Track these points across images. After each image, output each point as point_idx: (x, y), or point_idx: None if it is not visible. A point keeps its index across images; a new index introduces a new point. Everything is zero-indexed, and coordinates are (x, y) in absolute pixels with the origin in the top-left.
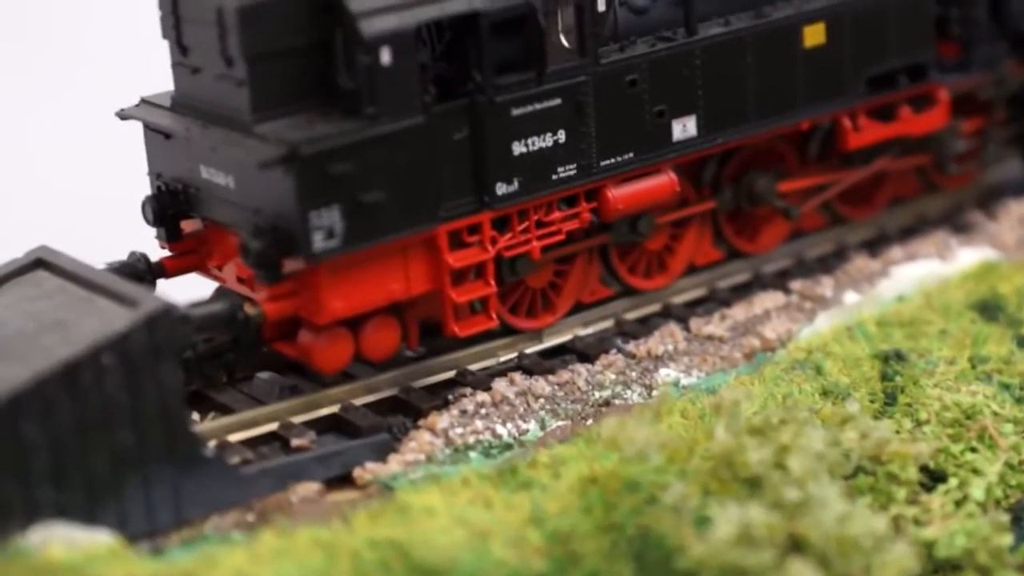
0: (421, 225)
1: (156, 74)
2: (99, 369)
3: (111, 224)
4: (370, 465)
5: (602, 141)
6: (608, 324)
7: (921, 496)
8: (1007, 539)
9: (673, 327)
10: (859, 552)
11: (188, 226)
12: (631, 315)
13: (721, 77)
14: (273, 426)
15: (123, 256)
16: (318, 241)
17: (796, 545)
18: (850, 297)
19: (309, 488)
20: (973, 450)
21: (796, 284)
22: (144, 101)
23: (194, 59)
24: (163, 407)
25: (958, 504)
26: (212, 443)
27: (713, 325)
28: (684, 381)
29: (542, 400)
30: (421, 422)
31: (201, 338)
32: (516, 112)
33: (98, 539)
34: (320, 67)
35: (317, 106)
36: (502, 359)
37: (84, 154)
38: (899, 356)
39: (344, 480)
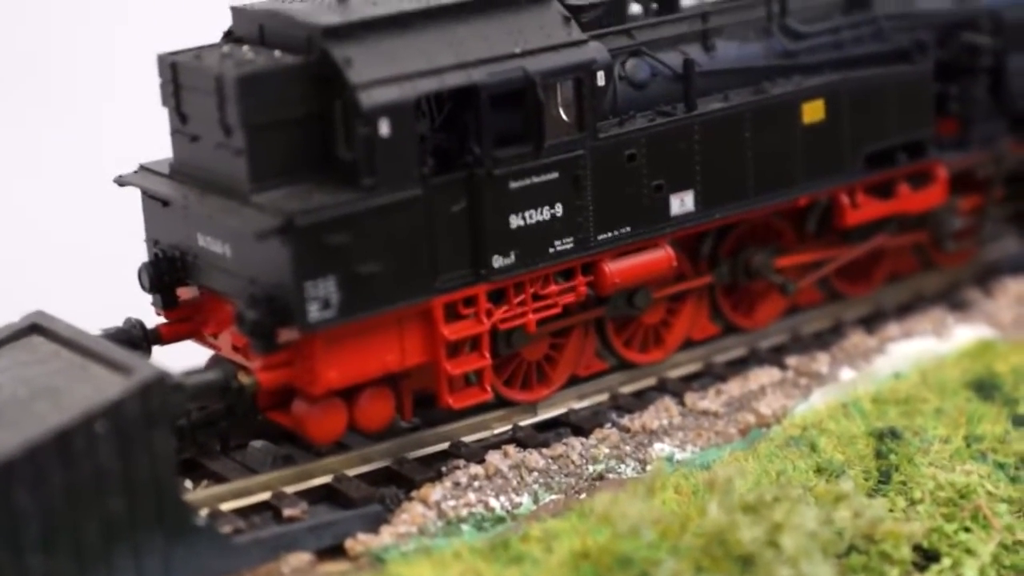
0: (417, 297)
1: (155, 141)
2: (91, 437)
3: (108, 290)
4: (362, 536)
5: (599, 215)
6: (603, 398)
7: None
8: None
9: (668, 401)
10: None
11: (184, 293)
12: (626, 389)
13: (720, 152)
14: (266, 495)
15: (119, 322)
16: (313, 312)
17: None
18: (846, 374)
19: (301, 559)
20: (967, 530)
21: (792, 360)
22: (142, 168)
23: (193, 127)
24: (155, 475)
25: None
26: (204, 512)
27: (708, 400)
28: (678, 456)
29: (536, 473)
30: (414, 493)
31: (195, 406)
32: (514, 185)
33: None
34: (319, 137)
35: (315, 176)
36: (496, 431)
37: (82, 219)
38: (894, 434)
39: (336, 551)
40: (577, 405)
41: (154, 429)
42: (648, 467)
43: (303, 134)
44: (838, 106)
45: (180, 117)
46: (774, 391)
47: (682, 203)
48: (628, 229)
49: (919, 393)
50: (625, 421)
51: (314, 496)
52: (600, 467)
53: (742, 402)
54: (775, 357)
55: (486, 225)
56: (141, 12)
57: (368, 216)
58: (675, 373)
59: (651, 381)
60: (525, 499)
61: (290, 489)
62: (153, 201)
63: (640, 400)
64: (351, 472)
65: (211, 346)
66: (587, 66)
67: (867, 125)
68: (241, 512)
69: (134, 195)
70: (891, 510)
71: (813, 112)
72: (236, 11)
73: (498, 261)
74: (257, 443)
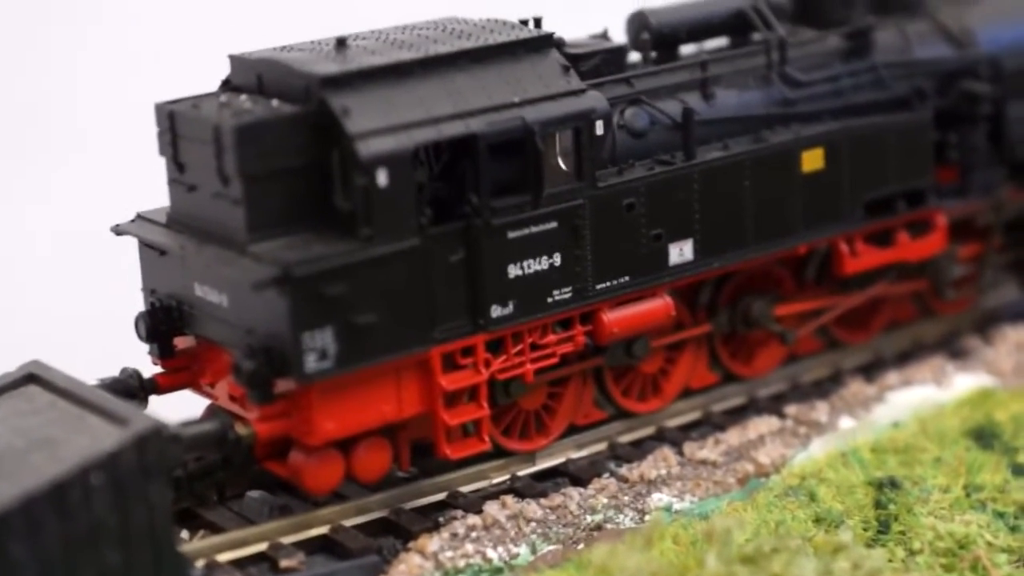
0: (415, 347)
1: (154, 190)
2: (87, 489)
3: (105, 339)
4: None
5: (598, 264)
6: (601, 447)
7: None
8: None
9: (667, 451)
10: None
11: (181, 343)
12: (625, 438)
13: (719, 201)
14: (263, 546)
15: (116, 372)
16: (310, 362)
17: None
18: (845, 422)
19: None
20: None
21: (791, 408)
22: (139, 217)
23: (190, 176)
24: (151, 527)
25: None
26: (200, 563)
27: (707, 449)
28: (677, 506)
29: (533, 524)
30: (411, 544)
31: (192, 456)
32: (512, 235)
33: None
34: (317, 187)
35: (313, 226)
36: (494, 481)
37: (79, 268)
38: (893, 483)
39: None
40: (575, 455)
41: (150, 481)
42: (646, 517)
43: (301, 184)
44: (837, 154)
45: (177, 166)
46: (773, 440)
47: (681, 252)
48: (627, 278)
49: (918, 442)
50: (623, 471)
51: (311, 547)
52: (598, 517)
53: (741, 451)
54: (774, 406)
55: (484, 275)
56: (142, 60)
57: (365, 267)
58: (674, 422)
59: (649, 430)
60: (523, 550)
61: (287, 540)
62: (150, 250)
63: (638, 449)
64: (348, 523)
65: (208, 396)
66: (586, 115)
67: (866, 173)
68: (238, 563)
69: (131, 244)
70: (890, 560)
71: (812, 160)
72: (234, 60)
73: (496, 311)
74: (254, 493)
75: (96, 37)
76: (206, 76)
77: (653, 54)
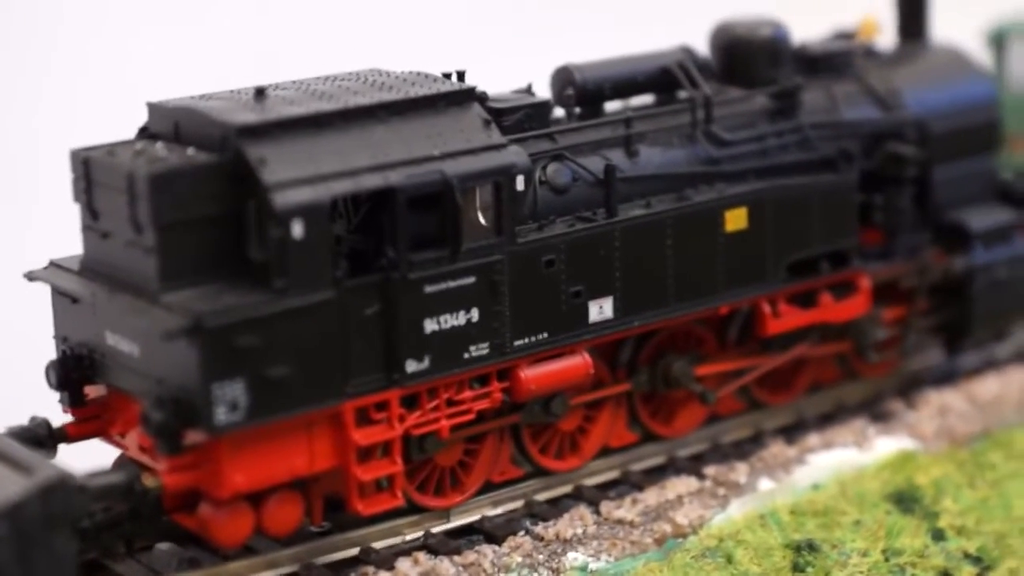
0: (327, 401)
1: (69, 237)
2: None
3: (15, 387)
4: None
5: (516, 321)
6: (518, 505)
7: None
8: None
9: (583, 510)
10: None
11: (93, 392)
12: (541, 496)
13: (640, 259)
14: None
15: (24, 420)
16: (220, 414)
17: None
18: (765, 484)
19: None
20: None
21: (711, 469)
22: (52, 264)
23: (104, 224)
24: None
25: None
26: None
27: (624, 509)
28: (592, 566)
29: None
30: None
31: (99, 507)
32: (429, 289)
33: None
34: (232, 237)
35: (227, 277)
36: (408, 537)
37: None
38: (811, 547)
39: None
40: (491, 512)
41: (55, 531)
42: None
43: (216, 233)
44: (761, 214)
45: (92, 213)
46: (691, 501)
47: (601, 310)
48: (545, 335)
49: (838, 505)
50: (539, 529)
51: None
52: (512, 575)
53: (658, 511)
54: (693, 466)
55: (400, 329)
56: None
57: (279, 319)
58: (591, 481)
59: (567, 488)
60: None
61: None
62: (62, 297)
63: (555, 508)
64: None
65: (119, 445)
66: (506, 170)
67: (790, 234)
68: None
69: (44, 291)
70: None
71: (736, 220)
72: (152, 107)
73: (411, 366)
74: (163, 545)
75: (11, 84)
76: (128, 123)
77: (577, 110)
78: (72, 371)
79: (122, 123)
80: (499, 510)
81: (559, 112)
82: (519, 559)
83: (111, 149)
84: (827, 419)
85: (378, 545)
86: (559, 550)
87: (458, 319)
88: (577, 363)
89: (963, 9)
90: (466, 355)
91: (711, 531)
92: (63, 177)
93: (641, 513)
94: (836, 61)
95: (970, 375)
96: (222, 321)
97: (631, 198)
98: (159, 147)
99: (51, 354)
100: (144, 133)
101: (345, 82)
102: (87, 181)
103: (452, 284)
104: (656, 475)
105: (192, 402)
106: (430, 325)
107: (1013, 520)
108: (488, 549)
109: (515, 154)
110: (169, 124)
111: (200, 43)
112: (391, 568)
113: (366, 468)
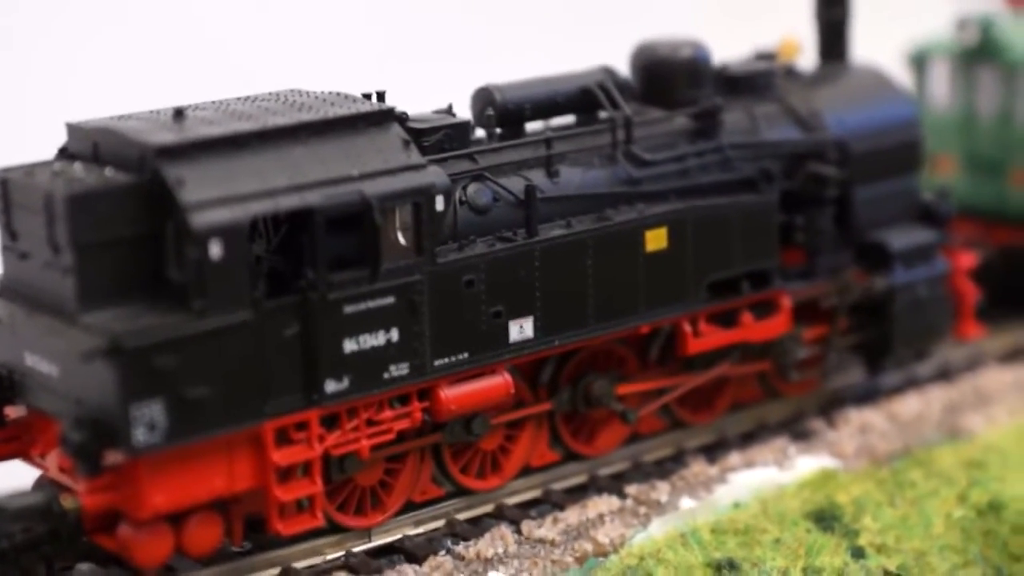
0: (247, 421)
1: None
2: None
3: None
4: None
5: (436, 340)
6: (439, 524)
7: None
8: None
9: (504, 529)
10: None
11: (13, 412)
12: (463, 515)
13: (561, 279)
14: None
15: None
16: (139, 435)
17: None
18: (686, 502)
19: None
20: None
21: (632, 488)
22: None
23: (23, 244)
24: None
25: None
26: None
27: (545, 528)
28: None
29: None
30: None
31: (18, 528)
32: (349, 309)
33: None
34: (150, 257)
35: (146, 297)
36: (329, 557)
37: None
38: (732, 565)
39: None
40: (412, 531)
41: None
42: None
43: (134, 254)
44: (682, 234)
45: (10, 234)
46: (612, 520)
47: (521, 330)
48: (465, 355)
49: (759, 523)
50: (460, 549)
51: None
52: None
53: (580, 530)
54: (615, 485)
55: (319, 349)
56: None
57: (197, 339)
58: (512, 500)
59: (488, 508)
60: None
61: None
62: None
63: (476, 527)
64: None
65: (39, 467)
66: (426, 190)
67: (711, 254)
68: None
69: None
70: None
71: (656, 240)
72: (71, 128)
73: (331, 386)
74: (84, 566)
75: None
76: (49, 144)
77: (498, 130)
78: None
79: (47, 143)
80: (420, 530)
81: (480, 133)
82: None
83: (30, 170)
84: (748, 438)
85: (299, 565)
86: (480, 569)
87: (378, 339)
88: (498, 383)
89: (883, 30)
90: (386, 375)
91: (632, 550)
92: None
93: (562, 532)
94: (757, 82)
95: (891, 394)
96: (140, 342)
97: (552, 218)
98: (77, 167)
99: None
100: (63, 154)
101: (264, 102)
102: (6, 202)
103: (372, 304)
104: (577, 494)
105: (111, 423)
106: (350, 345)
107: (933, 538)
108: (409, 569)
109: (434, 174)
110: (88, 145)
111: (124, 64)
112: None
113: (286, 488)
